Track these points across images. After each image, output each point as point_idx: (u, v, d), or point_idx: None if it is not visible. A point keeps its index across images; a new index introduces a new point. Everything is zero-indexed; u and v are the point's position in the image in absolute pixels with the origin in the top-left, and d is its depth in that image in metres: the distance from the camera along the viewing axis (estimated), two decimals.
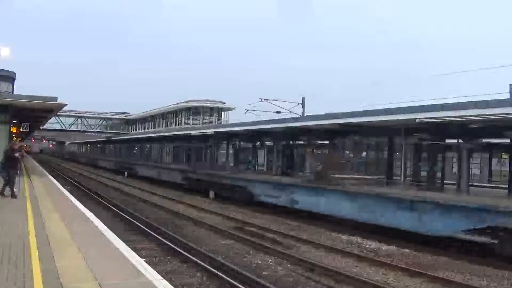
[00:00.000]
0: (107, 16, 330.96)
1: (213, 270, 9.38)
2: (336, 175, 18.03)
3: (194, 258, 10.33)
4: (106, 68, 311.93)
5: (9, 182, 13.78)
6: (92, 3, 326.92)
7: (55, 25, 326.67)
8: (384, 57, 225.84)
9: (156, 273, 6.12)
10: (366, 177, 19.28)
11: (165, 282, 5.71)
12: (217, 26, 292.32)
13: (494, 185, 22.14)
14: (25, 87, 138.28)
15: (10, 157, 14.11)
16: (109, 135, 69.11)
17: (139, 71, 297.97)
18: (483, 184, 22.22)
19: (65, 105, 21.55)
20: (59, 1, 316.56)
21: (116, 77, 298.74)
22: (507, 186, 16.95)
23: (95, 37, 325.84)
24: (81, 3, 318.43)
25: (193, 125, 52.02)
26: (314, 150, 23.93)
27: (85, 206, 12.98)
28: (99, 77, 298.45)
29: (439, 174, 17.64)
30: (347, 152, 24.96)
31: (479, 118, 12.76)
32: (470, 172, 18.27)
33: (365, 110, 17.41)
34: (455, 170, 20.85)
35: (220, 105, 57.76)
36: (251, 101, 53.94)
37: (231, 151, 32.05)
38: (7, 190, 13.79)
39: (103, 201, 21.09)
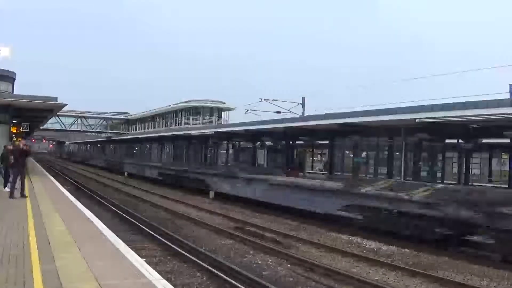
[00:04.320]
0: (107, 16, 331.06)
1: (213, 270, 9.38)
2: None
3: (194, 258, 10.33)
4: (106, 68, 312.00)
5: (6, 180, 13.75)
6: (91, 3, 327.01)
7: (56, 24, 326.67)
8: (385, 56, 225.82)
9: (156, 273, 6.12)
10: None
11: (165, 282, 5.70)
12: (217, 26, 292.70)
13: (494, 185, 22.15)
14: (26, 86, 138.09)
15: (18, 157, 14.14)
16: (109, 135, 69.06)
17: (139, 71, 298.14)
18: (483, 184, 22.23)
19: (65, 105, 21.61)
20: (60, 0, 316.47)
21: (116, 77, 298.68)
22: (507, 186, 16.97)
23: (96, 37, 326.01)
24: (80, 3, 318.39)
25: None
26: None
27: (85, 206, 12.98)
28: (100, 77, 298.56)
29: (439, 174, 17.65)
30: None
31: (479, 118, 12.77)
32: (470, 172, 18.28)
33: (365, 110, 17.41)
34: (455, 170, 20.87)
35: (220, 105, 57.77)
36: (251, 101, 53.90)
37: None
38: (16, 192, 13.75)
39: (103, 201, 21.10)
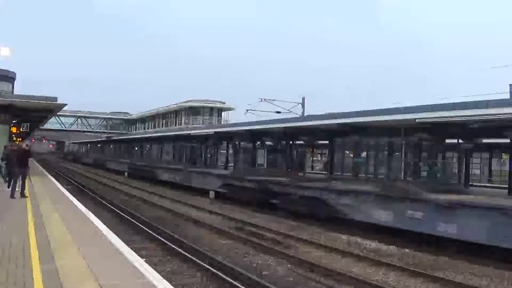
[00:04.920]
0: (108, 16, 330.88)
1: (213, 270, 9.39)
2: None
3: (194, 258, 10.33)
4: (106, 68, 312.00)
5: (10, 180, 13.79)
6: (91, 3, 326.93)
7: (56, 24, 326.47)
8: (385, 56, 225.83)
9: (156, 273, 6.12)
10: None
11: (165, 282, 5.71)
12: (217, 26, 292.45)
13: (494, 185, 22.16)
14: (26, 84, 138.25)
15: (22, 157, 14.17)
16: (109, 135, 69.21)
17: (139, 71, 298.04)
18: (483, 184, 22.24)
19: (65, 105, 21.63)
20: (61, 1, 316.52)
21: (116, 77, 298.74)
22: (507, 186, 16.94)
23: (96, 37, 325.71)
24: (81, 3, 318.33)
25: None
26: None
27: (85, 206, 12.99)
28: (100, 77, 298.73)
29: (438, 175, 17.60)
30: None
31: (479, 118, 12.75)
32: (470, 172, 18.25)
33: (365, 110, 17.37)
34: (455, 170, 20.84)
35: (220, 105, 57.93)
36: (251, 101, 54.02)
37: None
38: (16, 192, 13.76)
39: (103, 201, 21.10)
